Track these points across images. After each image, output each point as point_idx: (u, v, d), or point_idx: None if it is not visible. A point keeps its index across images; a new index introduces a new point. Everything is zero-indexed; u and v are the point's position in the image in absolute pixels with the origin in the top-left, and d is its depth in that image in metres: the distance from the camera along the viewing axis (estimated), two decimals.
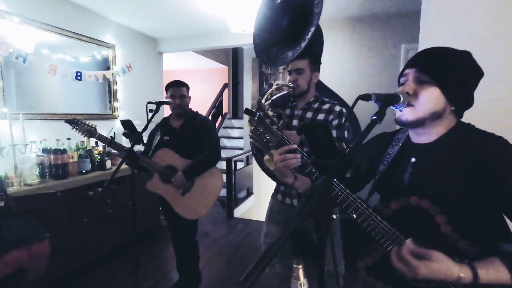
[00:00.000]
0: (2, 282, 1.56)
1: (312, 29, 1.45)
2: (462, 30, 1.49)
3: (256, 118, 0.88)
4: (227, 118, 6.95)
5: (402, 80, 0.85)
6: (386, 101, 0.75)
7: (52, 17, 2.55)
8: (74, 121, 1.82)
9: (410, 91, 0.80)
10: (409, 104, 0.80)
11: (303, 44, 1.47)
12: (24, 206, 1.95)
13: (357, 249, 0.86)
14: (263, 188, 4.93)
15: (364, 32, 3.15)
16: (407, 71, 0.84)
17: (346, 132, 1.49)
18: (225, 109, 7.12)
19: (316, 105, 1.55)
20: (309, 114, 1.54)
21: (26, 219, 1.84)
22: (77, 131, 1.82)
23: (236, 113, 7.16)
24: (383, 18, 3.08)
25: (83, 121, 1.84)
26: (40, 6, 2.46)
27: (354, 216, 0.79)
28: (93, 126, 1.85)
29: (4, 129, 2.13)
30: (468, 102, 0.82)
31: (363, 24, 3.14)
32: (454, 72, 0.79)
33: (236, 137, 6.39)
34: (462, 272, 0.66)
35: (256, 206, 4.91)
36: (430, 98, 0.78)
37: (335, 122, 1.48)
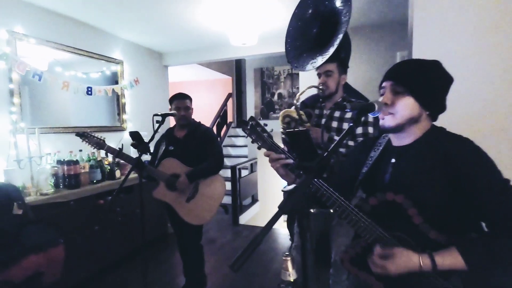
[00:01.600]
0: (21, 284, 1.67)
1: (341, 35, 1.57)
2: (448, 37, 1.58)
3: (248, 127, 0.98)
4: (232, 127, 7.08)
5: (381, 91, 0.95)
6: (361, 109, 0.85)
7: (65, 37, 2.74)
8: (84, 135, 1.91)
9: (388, 101, 0.90)
10: (389, 113, 0.90)
11: (331, 49, 1.58)
12: (40, 214, 2.08)
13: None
14: (268, 195, 5.01)
15: (360, 41, 3.26)
16: (384, 84, 0.94)
17: (372, 129, 1.57)
18: (229, 118, 7.26)
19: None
20: (337, 113, 1.65)
21: (42, 226, 1.96)
22: (87, 143, 1.92)
23: None
24: (378, 27, 3.19)
25: (93, 134, 1.93)
26: (54, 27, 2.65)
27: (338, 212, 0.88)
28: (102, 138, 1.95)
29: (22, 142, 2.29)
30: (440, 107, 0.92)
31: (359, 33, 3.25)
32: (424, 82, 0.88)
33: (240, 146, 6.51)
34: (422, 261, 0.76)
35: (261, 213, 4.98)
36: (406, 106, 0.88)
37: (362, 119, 1.55)
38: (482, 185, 0.77)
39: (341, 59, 1.68)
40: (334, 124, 1.64)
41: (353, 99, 1.70)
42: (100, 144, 1.92)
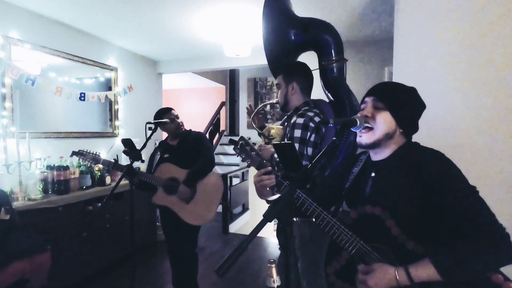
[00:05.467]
0: None
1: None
2: (428, 55, 1.67)
3: (238, 146, 1.03)
4: (224, 135, 7.12)
5: (362, 106, 1.02)
6: (344, 124, 0.91)
7: (60, 43, 2.76)
8: (80, 152, 1.99)
9: (369, 114, 0.96)
10: (368, 127, 0.96)
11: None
12: (28, 220, 2.06)
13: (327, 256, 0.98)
14: (259, 204, 5.02)
15: (352, 55, 3.37)
16: (366, 99, 1.00)
17: (299, 131, 1.42)
18: (222, 126, 7.30)
19: (293, 119, 1.51)
20: (288, 129, 1.51)
21: (29, 231, 1.94)
22: (83, 160, 1.99)
23: (233, 130, 7.34)
24: (368, 42, 3.32)
25: (88, 151, 2.00)
26: (50, 33, 2.68)
27: (321, 225, 0.92)
28: (97, 153, 2.01)
29: (11, 147, 2.27)
30: (413, 127, 0.99)
31: (350, 49, 3.37)
32: (402, 102, 0.96)
33: (232, 154, 6.53)
34: (397, 273, 0.80)
35: (251, 222, 4.99)
36: (384, 121, 0.95)
37: (289, 133, 1.47)
38: (450, 191, 0.83)
39: (285, 69, 1.61)
40: (289, 133, 1.50)
41: (306, 108, 1.52)
42: (96, 159, 1.98)
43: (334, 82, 1.76)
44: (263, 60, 3.62)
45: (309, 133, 1.41)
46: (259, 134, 1.66)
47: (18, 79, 2.36)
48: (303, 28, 1.72)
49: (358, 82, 3.33)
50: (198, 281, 2.26)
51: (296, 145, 1.39)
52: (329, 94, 1.80)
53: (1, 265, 1.68)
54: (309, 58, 1.82)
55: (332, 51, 1.73)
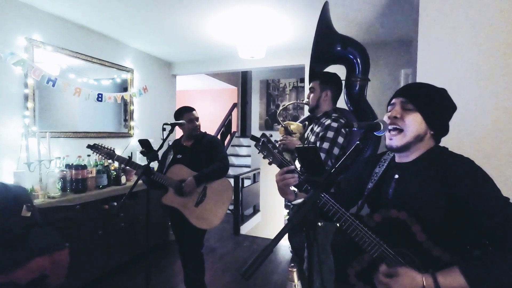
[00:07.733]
0: (25, 286, 1.69)
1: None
2: (452, 57, 1.62)
3: (260, 143, 1.03)
4: (236, 137, 7.14)
5: (389, 108, 1.00)
6: (368, 128, 0.90)
7: (79, 44, 2.83)
8: (95, 146, 2.03)
9: (398, 115, 0.94)
10: (398, 129, 0.93)
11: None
12: (47, 217, 2.11)
13: (349, 257, 0.97)
14: (270, 205, 5.01)
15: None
16: (394, 100, 0.98)
17: (332, 133, 1.63)
18: (234, 128, 7.33)
19: (322, 120, 1.75)
20: (316, 128, 1.76)
21: (48, 229, 1.99)
22: (98, 154, 2.03)
23: (244, 132, 7.36)
24: (385, 44, 3.27)
25: (103, 145, 2.04)
26: (70, 35, 2.75)
27: (344, 227, 0.91)
28: (112, 148, 2.05)
29: (32, 146, 2.34)
30: (444, 129, 0.96)
31: (367, 49, 3.32)
32: (433, 103, 0.93)
33: (244, 155, 6.55)
34: (424, 280, 0.77)
35: (262, 224, 4.97)
36: (414, 121, 0.92)
37: (321, 133, 1.67)
38: (482, 203, 0.80)
39: (323, 77, 1.83)
40: (311, 138, 1.77)
41: (335, 114, 1.76)
42: (110, 155, 2.01)
43: (355, 96, 2.11)
44: (276, 62, 3.66)
45: (340, 137, 1.63)
46: (283, 126, 1.86)
47: (39, 80, 2.42)
48: (342, 44, 2.07)
49: (373, 85, 3.28)
50: (207, 283, 2.27)
51: (327, 144, 1.62)
52: (349, 104, 2.16)
53: (23, 261, 1.74)
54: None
55: (360, 71, 2.08)
